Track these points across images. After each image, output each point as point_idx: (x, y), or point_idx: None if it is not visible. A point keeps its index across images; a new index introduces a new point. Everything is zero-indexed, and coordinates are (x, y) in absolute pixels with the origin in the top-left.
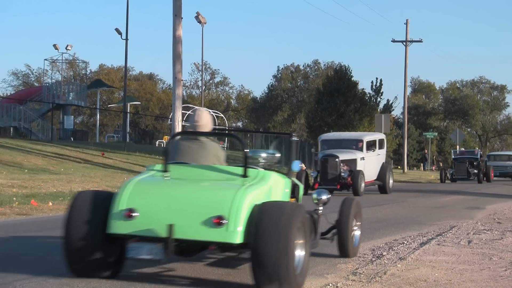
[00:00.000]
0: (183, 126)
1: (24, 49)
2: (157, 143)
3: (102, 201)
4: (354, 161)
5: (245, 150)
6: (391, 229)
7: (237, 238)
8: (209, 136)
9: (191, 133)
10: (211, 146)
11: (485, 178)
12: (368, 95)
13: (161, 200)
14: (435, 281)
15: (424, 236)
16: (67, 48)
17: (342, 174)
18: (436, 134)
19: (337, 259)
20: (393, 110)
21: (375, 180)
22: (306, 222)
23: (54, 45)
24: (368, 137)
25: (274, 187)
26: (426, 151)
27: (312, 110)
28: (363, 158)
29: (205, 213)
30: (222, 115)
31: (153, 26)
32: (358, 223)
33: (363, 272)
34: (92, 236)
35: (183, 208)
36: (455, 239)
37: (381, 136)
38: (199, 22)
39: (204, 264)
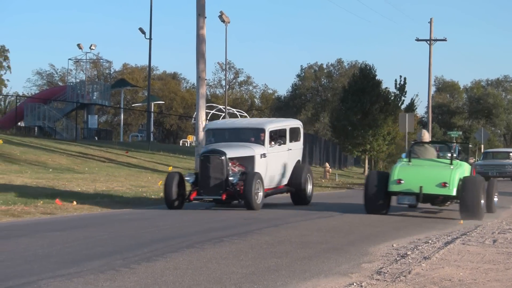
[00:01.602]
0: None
1: (49, 49)
2: (181, 142)
3: (383, 176)
4: (250, 160)
5: (451, 152)
6: (416, 228)
7: (454, 192)
8: (429, 144)
9: (421, 142)
10: (430, 149)
11: None
12: (392, 94)
13: (414, 174)
14: (460, 281)
15: (449, 236)
16: (91, 47)
17: (231, 178)
18: (461, 133)
19: (362, 258)
20: (416, 108)
21: (285, 185)
22: (484, 185)
23: (78, 45)
24: (273, 125)
25: (465, 169)
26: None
27: (336, 109)
28: (264, 155)
29: (438, 180)
30: (246, 114)
31: (176, 25)
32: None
33: (388, 271)
34: (379, 192)
35: (426, 178)
36: (480, 238)
37: (294, 123)
38: (223, 21)
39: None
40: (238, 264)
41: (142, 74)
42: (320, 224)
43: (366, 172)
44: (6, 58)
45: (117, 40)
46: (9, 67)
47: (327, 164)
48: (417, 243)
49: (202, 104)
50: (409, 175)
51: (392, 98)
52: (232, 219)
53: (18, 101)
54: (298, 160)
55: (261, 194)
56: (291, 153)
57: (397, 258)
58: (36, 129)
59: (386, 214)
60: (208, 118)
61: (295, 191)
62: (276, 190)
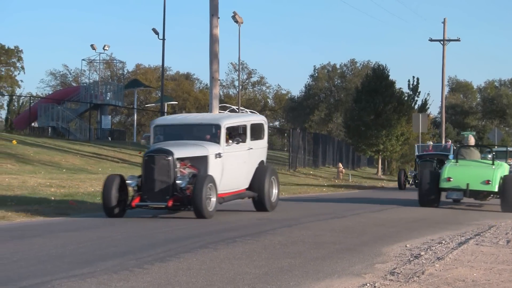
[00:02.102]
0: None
1: (62, 50)
2: None
3: (435, 175)
4: (203, 160)
5: (492, 153)
6: (429, 229)
7: (496, 189)
8: (474, 147)
9: (467, 146)
10: (475, 151)
11: None
12: (406, 94)
13: (461, 173)
14: (473, 281)
15: (462, 236)
16: (104, 48)
17: (179, 182)
18: (474, 133)
19: (375, 258)
20: (428, 108)
21: (246, 189)
22: None
23: (92, 45)
24: (230, 120)
25: (505, 168)
26: None
27: (350, 110)
28: (219, 155)
29: (482, 178)
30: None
31: (190, 25)
32: None
33: (401, 271)
34: (432, 189)
35: (472, 176)
36: (493, 239)
37: (257, 119)
38: (236, 21)
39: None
40: (251, 265)
41: (155, 75)
42: (333, 225)
43: (379, 173)
44: (19, 59)
45: (130, 40)
46: (22, 67)
47: (340, 165)
48: (430, 243)
49: (216, 105)
50: (457, 174)
51: (406, 98)
52: (245, 220)
53: (31, 101)
54: (262, 161)
55: (214, 200)
56: (252, 153)
57: (411, 259)
58: (49, 129)
59: (437, 207)
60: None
61: (257, 197)
62: (234, 195)
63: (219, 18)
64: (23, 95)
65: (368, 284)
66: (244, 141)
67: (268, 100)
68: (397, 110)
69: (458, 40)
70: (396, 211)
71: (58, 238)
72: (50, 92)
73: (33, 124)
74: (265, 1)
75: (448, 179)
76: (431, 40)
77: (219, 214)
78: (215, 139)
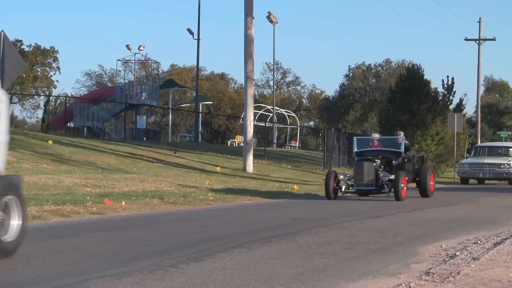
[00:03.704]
0: (254, 126)
1: (97, 50)
2: (229, 142)
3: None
4: None
5: None
6: (464, 229)
7: None
8: None
9: None
10: None
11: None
12: (441, 94)
13: None
14: (509, 282)
15: (498, 236)
16: (140, 48)
17: None
18: (510, 133)
19: (410, 258)
20: (464, 108)
21: None
22: None
23: (127, 46)
24: None
25: None
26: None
27: (384, 109)
28: None
29: None
30: (293, 115)
31: (224, 25)
32: None
33: (436, 272)
34: None
35: None
36: None
37: None
38: (271, 21)
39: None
40: (286, 264)
41: (190, 75)
42: (368, 225)
43: None
44: (55, 59)
45: (165, 40)
46: (58, 68)
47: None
48: (466, 243)
49: (250, 104)
50: None
51: (440, 98)
52: (280, 219)
53: (67, 101)
54: None
55: None
56: None
57: (446, 259)
58: (85, 129)
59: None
60: (256, 118)
61: None
62: None
63: (253, 18)
64: (59, 95)
65: (403, 284)
66: None
67: (303, 100)
68: (432, 110)
69: (493, 39)
70: (432, 211)
71: (93, 237)
72: (86, 92)
73: (68, 124)
74: (299, 0)
75: None
76: (466, 39)
77: (254, 214)
78: None
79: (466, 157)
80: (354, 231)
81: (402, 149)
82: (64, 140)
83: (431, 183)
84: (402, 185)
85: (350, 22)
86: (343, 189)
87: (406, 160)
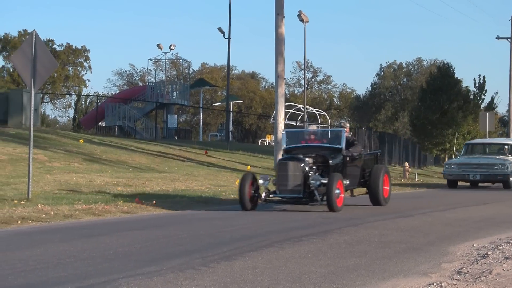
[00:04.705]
0: (285, 125)
1: (128, 49)
2: (259, 141)
3: None
4: None
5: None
6: (496, 228)
7: None
8: None
9: None
10: None
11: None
12: (472, 92)
13: None
14: None
15: None
16: (171, 47)
17: None
18: None
19: (442, 258)
20: (496, 106)
21: None
22: None
23: (158, 45)
24: None
25: None
26: None
27: (415, 108)
28: None
29: None
30: (324, 114)
31: (255, 24)
32: None
33: (468, 271)
34: None
35: None
36: None
37: None
38: (302, 20)
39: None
40: (317, 264)
41: (221, 74)
42: (400, 224)
43: None
44: (86, 59)
45: (196, 40)
46: (89, 67)
47: (406, 164)
48: (498, 243)
49: (281, 103)
50: None
51: (472, 96)
52: (311, 219)
53: (98, 101)
54: None
55: None
56: None
57: (478, 258)
58: (116, 128)
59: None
60: (287, 117)
61: None
62: None
63: (284, 17)
64: (90, 94)
65: (434, 284)
66: None
67: (334, 99)
68: (463, 109)
69: None
70: (463, 210)
71: (124, 236)
72: (117, 92)
73: (100, 123)
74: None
75: None
76: (498, 38)
77: (285, 213)
78: None
79: (456, 156)
80: (385, 230)
81: (343, 145)
82: (96, 139)
83: (385, 187)
84: (338, 191)
85: (381, 21)
86: (262, 197)
87: (349, 159)
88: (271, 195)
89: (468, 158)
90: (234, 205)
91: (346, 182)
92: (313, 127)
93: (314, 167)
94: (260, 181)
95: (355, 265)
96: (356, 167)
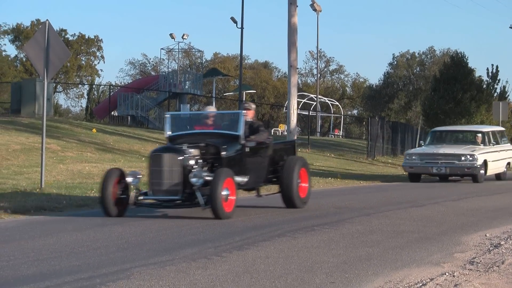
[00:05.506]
0: (298, 115)
1: (141, 39)
2: (272, 131)
3: None
4: None
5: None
6: (509, 218)
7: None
8: None
9: None
10: None
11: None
12: (485, 82)
13: None
14: None
15: None
16: (183, 37)
17: None
18: None
19: (454, 247)
20: (508, 96)
21: None
22: None
23: (171, 34)
24: None
25: None
26: None
27: (428, 98)
28: None
29: None
30: (337, 103)
31: (268, 14)
32: None
33: (481, 261)
34: None
35: None
36: None
37: None
38: (314, 10)
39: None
40: (329, 253)
41: (234, 63)
42: (412, 213)
43: None
44: (99, 48)
45: (208, 29)
46: (102, 57)
47: None
48: (510, 233)
49: (294, 93)
50: None
51: (485, 86)
52: (323, 209)
53: (111, 90)
54: None
55: None
56: None
57: (490, 248)
58: (129, 118)
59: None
60: (299, 107)
61: None
62: None
63: (297, 6)
64: (102, 84)
65: (447, 274)
66: None
67: (347, 88)
68: (476, 98)
69: None
70: (476, 200)
71: (137, 226)
72: (130, 81)
73: (112, 113)
74: None
75: None
76: (511, 27)
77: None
78: None
79: (420, 145)
80: (397, 220)
81: (240, 132)
82: (108, 128)
83: (301, 184)
84: (227, 192)
85: (393, 10)
86: (133, 199)
87: (251, 149)
88: (141, 197)
89: (431, 148)
90: (243, 195)
91: (244, 179)
92: (211, 109)
93: (201, 161)
94: (129, 179)
95: (367, 254)
96: (261, 160)
